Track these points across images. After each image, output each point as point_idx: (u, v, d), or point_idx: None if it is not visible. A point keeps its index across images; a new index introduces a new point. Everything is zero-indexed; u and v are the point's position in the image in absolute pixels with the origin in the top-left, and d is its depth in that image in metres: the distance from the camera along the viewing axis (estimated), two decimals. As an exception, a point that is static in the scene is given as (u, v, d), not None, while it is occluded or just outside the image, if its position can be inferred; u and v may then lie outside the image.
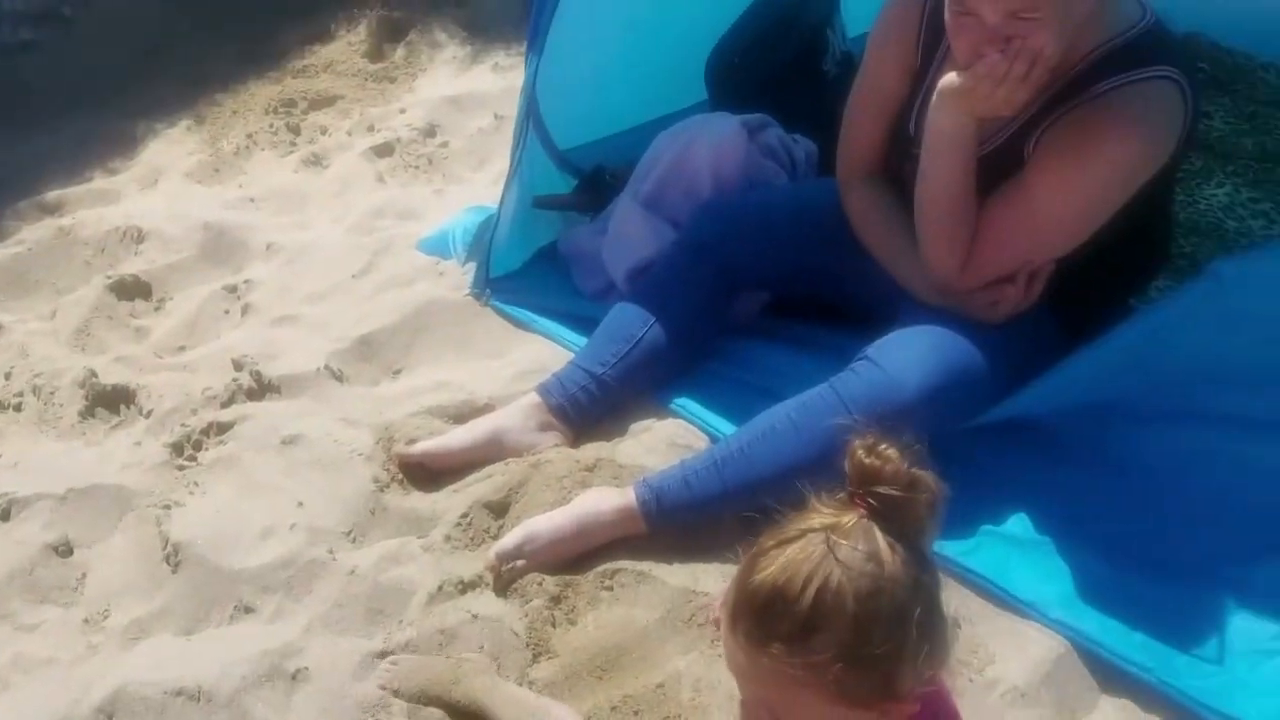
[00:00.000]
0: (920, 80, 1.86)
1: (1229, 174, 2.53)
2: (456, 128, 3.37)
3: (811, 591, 0.93)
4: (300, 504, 1.87)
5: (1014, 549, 1.70)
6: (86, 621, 1.75)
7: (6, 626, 1.77)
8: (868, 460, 0.97)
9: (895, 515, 0.95)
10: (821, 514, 0.98)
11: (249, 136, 3.45)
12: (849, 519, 0.96)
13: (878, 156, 1.97)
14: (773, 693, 1.00)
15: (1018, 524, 1.74)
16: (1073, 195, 1.68)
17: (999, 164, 1.76)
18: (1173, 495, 1.73)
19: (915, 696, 0.98)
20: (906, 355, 1.73)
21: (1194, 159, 2.58)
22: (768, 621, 0.96)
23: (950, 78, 1.67)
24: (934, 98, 1.71)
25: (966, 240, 1.76)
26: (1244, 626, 1.59)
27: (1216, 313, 1.65)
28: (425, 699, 1.55)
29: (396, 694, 1.55)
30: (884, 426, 1.67)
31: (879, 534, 0.95)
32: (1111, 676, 1.56)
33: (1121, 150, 1.65)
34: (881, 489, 0.95)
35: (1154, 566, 1.66)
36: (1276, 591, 1.61)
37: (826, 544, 0.94)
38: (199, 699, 1.54)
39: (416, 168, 3.19)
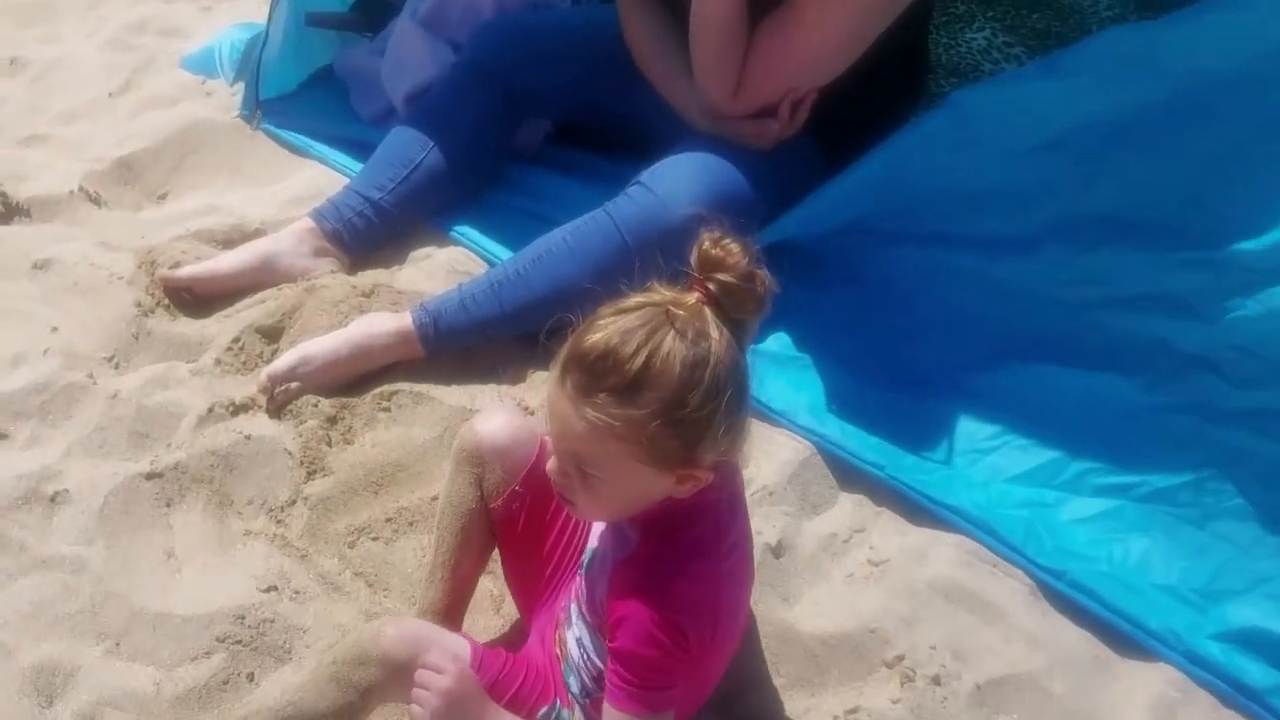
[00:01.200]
0: (696, -98, 1.86)
1: (989, 19, 2.65)
2: (225, -62, 3.13)
3: (645, 352, 1.01)
4: (55, 329, 1.79)
5: (771, 365, 1.81)
6: None
7: None
8: (713, 250, 1.04)
9: (729, 302, 1.04)
10: (662, 293, 1.05)
11: (-17, -59, 3.10)
12: (688, 299, 1.04)
13: (656, -20, 1.97)
14: (588, 445, 1.06)
15: (775, 342, 1.86)
16: (836, 22, 1.74)
17: None
18: (911, 310, 1.88)
19: (712, 468, 1.08)
20: (676, 179, 1.78)
21: (959, 4, 2.70)
22: (599, 374, 1.03)
23: None
24: None
25: (737, 65, 1.80)
26: (967, 428, 1.76)
27: (954, 139, 1.77)
28: None
29: None
30: (653, 248, 1.76)
31: (711, 317, 1.03)
32: (849, 475, 1.71)
33: None
34: (721, 276, 1.03)
35: (892, 376, 1.80)
36: (997, 396, 1.78)
37: (665, 314, 1.02)
38: (-52, 524, 1.49)
39: (181, -18, 2.96)
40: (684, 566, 1.12)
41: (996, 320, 1.84)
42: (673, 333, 1.02)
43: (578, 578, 1.28)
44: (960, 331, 1.84)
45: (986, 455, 1.73)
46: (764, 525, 1.62)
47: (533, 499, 1.32)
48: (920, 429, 1.75)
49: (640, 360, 1.02)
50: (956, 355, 1.83)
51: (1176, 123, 1.70)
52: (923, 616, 1.53)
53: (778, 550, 1.60)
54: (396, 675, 1.20)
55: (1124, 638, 1.52)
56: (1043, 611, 1.55)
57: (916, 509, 1.67)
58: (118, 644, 1.43)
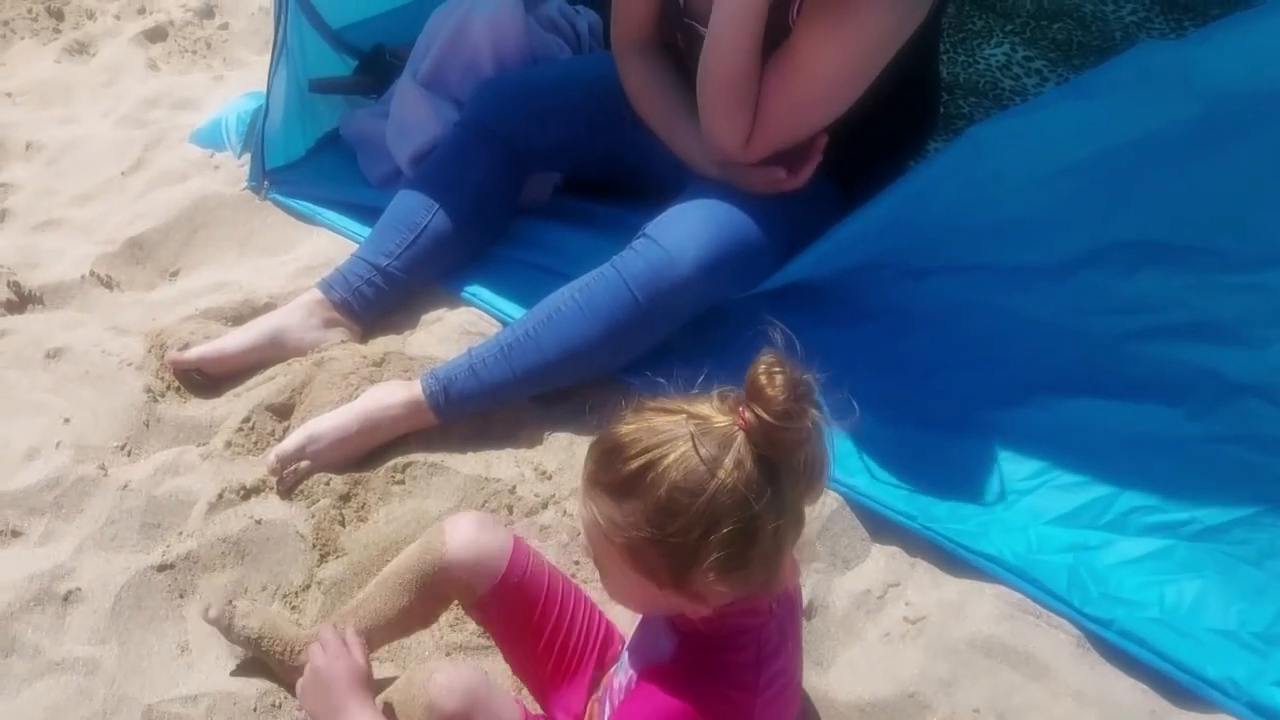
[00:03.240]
0: (688, -53, 1.82)
1: (1007, 33, 2.58)
2: (236, 7, 3.16)
3: (644, 460, 0.95)
4: (67, 420, 1.78)
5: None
6: None
7: None
8: (759, 378, 0.95)
9: (763, 440, 0.94)
10: (706, 405, 0.98)
11: (6, 24, 3.17)
12: (721, 422, 0.96)
13: (651, 26, 1.92)
14: (588, 531, 1.04)
15: (798, 388, 1.79)
16: (837, 59, 1.68)
17: (767, 34, 1.74)
18: (937, 347, 1.81)
19: (708, 601, 1.00)
20: (683, 230, 1.73)
21: (976, 19, 2.64)
22: (602, 468, 0.99)
23: None
24: None
25: (750, 113, 1.73)
26: (1002, 468, 1.68)
27: (971, 173, 1.70)
28: None
29: None
30: (665, 302, 1.71)
31: (739, 447, 0.94)
32: (881, 526, 1.63)
33: (879, 12, 1.65)
34: (758, 409, 0.94)
35: (919, 416, 1.73)
36: (1032, 434, 1.71)
37: (686, 428, 0.95)
38: (-39, 630, 1.47)
39: (194, 52, 2.99)
40: (716, 688, 1.05)
41: (1027, 353, 1.77)
42: (685, 450, 0.94)
43: (623, 655, 1.23)
44: (988, 366, 1.78)
45: (1025, 496, 1.66)
46: (793, 585, 1.56)
47: (506, 607, 1.30)
48: (952, 472, 1.68)
49: (634, 465, 0.96)
50: (986, 391, 1.76)
51: (1209, 141, 1.62)
52: (963, 676, 1.46)
53: (809, 611, 1.54)
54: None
55: (1180, 689, 1.43)
56: (1091, 665, 1.47)
57: (953, 559, 1.59)
58: (130, 748, 1.39)
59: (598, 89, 2.05)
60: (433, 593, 1.34)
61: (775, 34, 1.72)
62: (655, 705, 1.05)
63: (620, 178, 2.13)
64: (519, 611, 1.31)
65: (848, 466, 1.67)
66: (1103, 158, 1.72)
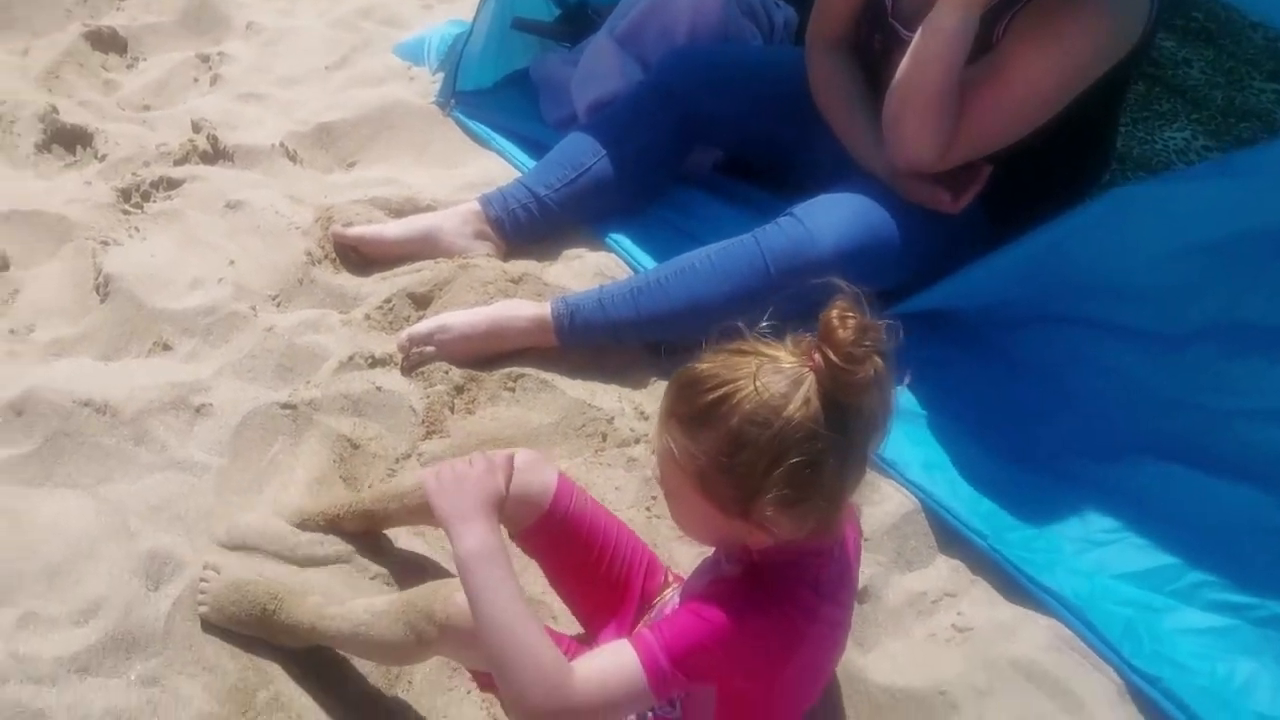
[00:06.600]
0: (898, -49, 1.88)
1: (1192, 120, 2.58)
2: (458, -55, 3.34)
3: (720, 393, 1.02)
4: (232, 263, 1.94)
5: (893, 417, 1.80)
6: (12, 332, 1.83)
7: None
8: (832, 319, 1.00)
9: (830, 381, 1.00)
10: (780, 348, 1.05)
11: (250, -81, 3.40)
12: (791, 361, 1.02)
13: (848, 25, 1.99)
14: (662, 461, 1.11)
15: (902, 396, 1.83)
16: (1042, 78, 1.71)
17: None
18: (1044, 390, 1.83)
19: (770, 533, 1.06)
20: (828, 215, 1.80)
21: (1164, 101, 2.64)
22: (679, 401, 1.07)
23: None
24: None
25: (951, 127, 1.76)
26: (1083, 516, 1.69)
27: (1111, 232, 1.72)
28: (241, 624, 1.41)
29: (208, 618, 1.42)
30: (794, 279, 1.77)
31: (808, 386, 1.01)
32: (951, 539, 1.67)
33: (1088, 36, 1.67)
34: (827, 350, 1.00)
35: (1014, 452, 1.76)
36: (1121, 491, 1.71)
37: (760, 366, 1.02)
38: (105, 413, 1.63)
39: (411, -22, 3.18)
40: (772, 607, 1.11)
41: (1130, 414, 1.78)
42: (753, 386, 1.01)
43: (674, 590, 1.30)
44: (1090, 419, 1.79)
45: (1099, 548, 1.67)
46: (852, 569, 1.60)
47: (550, 541, 1.37)
48: (1032, 507, 1.70)
49: (710, 398, 1.03)
50: (1083, 442, 1.78)
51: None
52: (999, 690, 1.48)
53: (862, 596, 1.58)
54: (454, 638, 1.25)
55: (1211, 761, 1.43)
56: (1128, 716, 1.47)
57: (1013, 585, 1.62)
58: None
59: (778, 76, 2.13)
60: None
61: (975, 49, 1.76)
62: (702, 614, 1.10)
63: (781, 165, 2.21)
64: (562, 546, 1.37)
65: (932, 475, 1.71)
66: (1239, 239, 1.73)
